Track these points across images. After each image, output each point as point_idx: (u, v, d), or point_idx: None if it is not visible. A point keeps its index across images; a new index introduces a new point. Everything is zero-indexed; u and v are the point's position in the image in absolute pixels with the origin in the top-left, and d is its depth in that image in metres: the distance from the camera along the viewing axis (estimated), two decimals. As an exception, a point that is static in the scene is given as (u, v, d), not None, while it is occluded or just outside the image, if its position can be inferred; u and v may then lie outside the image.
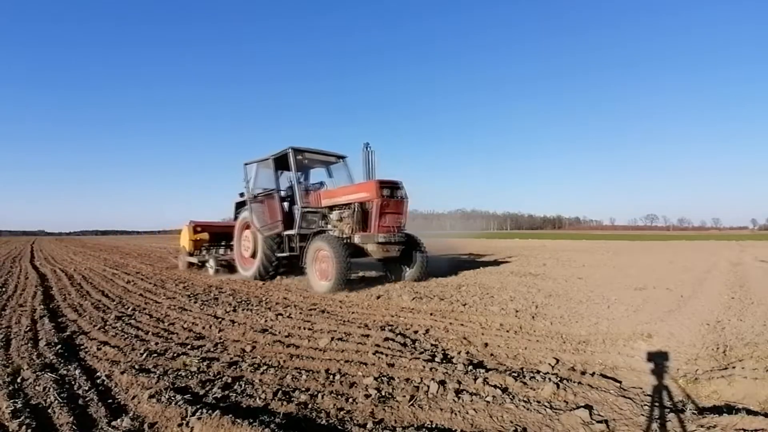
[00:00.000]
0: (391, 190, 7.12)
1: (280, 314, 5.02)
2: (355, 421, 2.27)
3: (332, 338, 3.77)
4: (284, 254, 8.31)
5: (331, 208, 8.06)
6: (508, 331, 4.10)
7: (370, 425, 2.20)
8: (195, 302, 5.95)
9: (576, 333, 4.02)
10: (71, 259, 15.40)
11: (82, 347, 3.85)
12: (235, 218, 9.77)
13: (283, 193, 8.85)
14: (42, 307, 5.67)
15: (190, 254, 11.01)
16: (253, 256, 8.78)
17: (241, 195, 9.33)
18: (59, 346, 3.79)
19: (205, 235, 11.13)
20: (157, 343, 3.85)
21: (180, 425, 2.21)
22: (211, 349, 3.66)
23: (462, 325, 4.37)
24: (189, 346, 3.75)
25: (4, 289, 7.62)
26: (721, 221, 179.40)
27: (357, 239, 7.13)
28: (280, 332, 4.16)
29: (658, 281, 7.51)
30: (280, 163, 8.72)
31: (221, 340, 3.96)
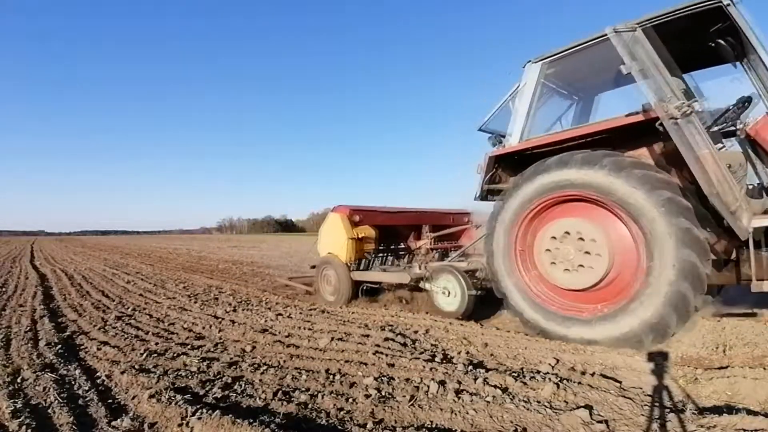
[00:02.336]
0: None
1: (280, 314, 5.02)
2: (355, 421, 2.27)
3: (332, 338, 3.77)
4: None
5: None
6: (508, 331, 4.10)
7: (370, 425, 2.20)
8: (195, 302, 5.95)
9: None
10: (71, 259, 15.41)
11: (82, 347, 3.86)
12: (485, 195, 4.58)
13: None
14: (42, 307, 5.67)
15: (349, 265, 5.72)
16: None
17: (497, 139, 4.60)
18: (59, 346, 3.79)
19: (370, 231, 5.88)
20: (157, 343, 3.85)
21: (180, 425, 2.21)
22: (211, 349, 3.66)
23: (462, 325, 4.36)
24: (189, 346, 3.75)
25: (4, 289, 7.63)
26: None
27: None
28: (280, 332, 4.16)
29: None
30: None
31: (221, 340, 3.96)
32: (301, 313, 5.12)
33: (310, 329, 4.24)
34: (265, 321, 4.68)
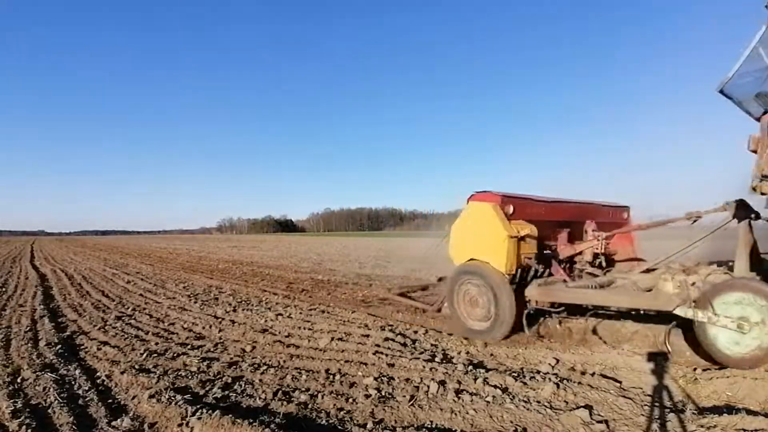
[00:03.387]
0: None
1: (280, 314, 5.01)
2: (355, 421, 2.27)
3: (332, 338, 3.78)
4: None
5: None
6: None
7: (370, 425, 2.20)
8: (195, 302, 5.95)
9: (576, 333, 4.01)
10: (71, 259, 15.41)
11: (82, 347, 3.86)
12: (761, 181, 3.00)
13: None
14: (42, 307, 5.68)
15: (513, 278, 3.86)
16: None
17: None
18: (59, 346, 3.80)
19: (532, 229, 3.95)
20: (157, 343, 3.85)
21: (180, 425, 2.21)
22: (211, 349, 3.66)
23: (462, 325, 4.35)
24: (189, 346, 3.75)
25: (4, 289, 7.63)
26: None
27: None
28: (280, 332, 4.17)
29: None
30: None
31: (221, 340, 3.96)
32: (301, 313, 5.11)
33: (310, 329, 4.24)
34: (265, 321, 4.68)
